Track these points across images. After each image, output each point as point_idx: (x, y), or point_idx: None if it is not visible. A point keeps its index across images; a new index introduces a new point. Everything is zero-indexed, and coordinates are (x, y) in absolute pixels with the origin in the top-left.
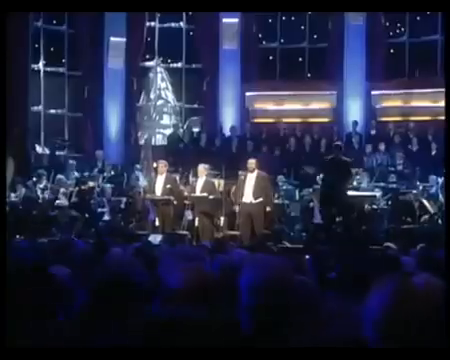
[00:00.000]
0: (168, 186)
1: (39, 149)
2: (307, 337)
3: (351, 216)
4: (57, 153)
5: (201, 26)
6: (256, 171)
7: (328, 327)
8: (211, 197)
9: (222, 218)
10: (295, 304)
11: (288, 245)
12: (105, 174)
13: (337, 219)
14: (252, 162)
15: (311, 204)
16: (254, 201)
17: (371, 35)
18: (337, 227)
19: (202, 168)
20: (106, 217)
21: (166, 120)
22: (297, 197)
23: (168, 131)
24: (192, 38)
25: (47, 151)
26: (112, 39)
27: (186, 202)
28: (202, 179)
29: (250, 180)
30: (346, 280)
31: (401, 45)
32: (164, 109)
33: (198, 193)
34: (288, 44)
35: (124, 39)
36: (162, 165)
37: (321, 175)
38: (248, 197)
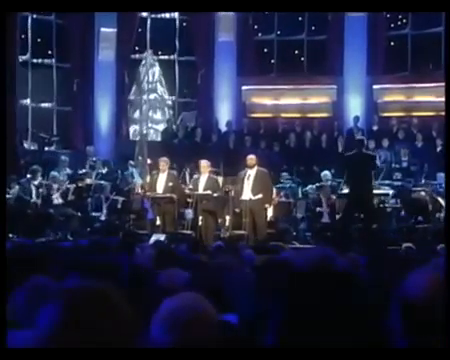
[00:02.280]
0: (170, 184)
1: (26, 145)
2: None
3: (373, 215)
4: (46, 149)
5: (195, 17)
6: (256, 167)
7: None
8: (215, 195)
9: (227, 217)
10: None
11: (298, 245)
12: (98, 171)
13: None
14: (252, 158)
15: (319, 208)
16: (253, 198)
17: (372, 27)
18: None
19: (205, 164)
20: (102, 216)
21: (159, 115)
22: (300, 195)
23: (161, 126)
24: (186, 29)
25: (34, 147)
26: (102, 30)
27: (189, 200)
28: (205, 176)
29: (249, 176)
30: None
31: (403, 37)
32: (156, 103)
33: (201, 190)
34: (285, 36)
35: (115, 30)
36: (164, 162)
37: (324, 172)
38: (247, 194)
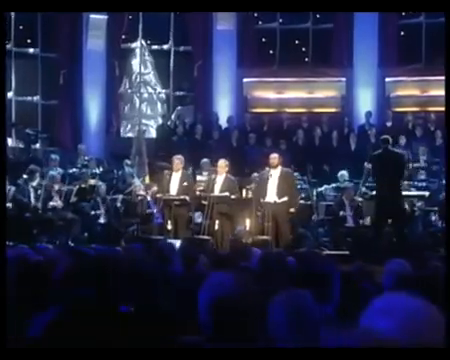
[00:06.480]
0: (185, 184)
1: (10, 142)
2: None
3: (404, 219)
4: (32, 147)
5: None
6: (279, 167)
7: None
8: (233, 197)
9: (248, 221)
10: None
11: (328, 252)
12: (92, 171)
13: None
14: (275, 156)
15: (342, 212)
16: (278, 201)
17: (384, 15)
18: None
19: (223, 164)
20: (102, 220)
21: (152, 110)
22: (315, 196)
23: (153, 122)
24: (181, 17)
25: (19, 144)
26: (92, 17)
27: (204, 202)
28: (222, 176)
29: (273, 177)
30: None
31: (417, 26)
32: (149, 97)
33: (218, 192)
34: (289, 25)
35: (105, 17)
36: (178, 161)
37: (341, 172)
38: (271, 196)
